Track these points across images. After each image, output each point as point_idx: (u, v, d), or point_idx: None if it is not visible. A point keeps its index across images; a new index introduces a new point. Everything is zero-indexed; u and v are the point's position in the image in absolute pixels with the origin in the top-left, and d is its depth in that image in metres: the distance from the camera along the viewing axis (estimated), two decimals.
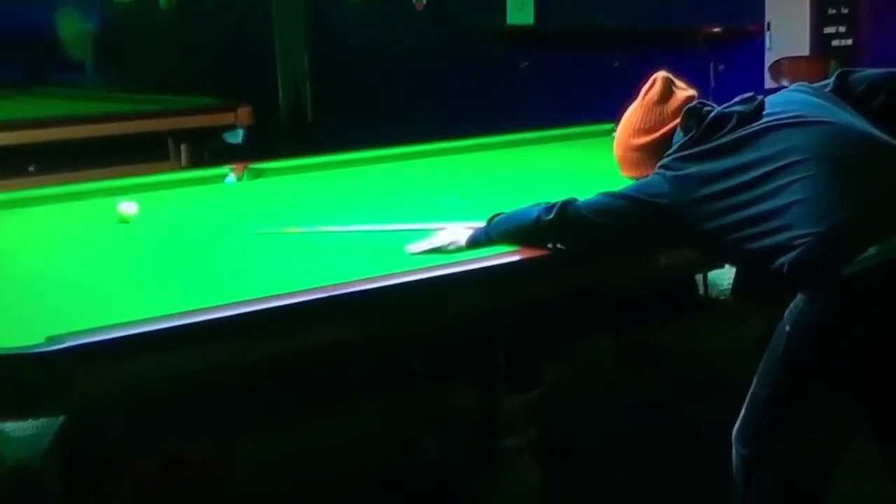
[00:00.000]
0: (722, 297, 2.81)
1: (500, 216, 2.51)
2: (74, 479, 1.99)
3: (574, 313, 2.59)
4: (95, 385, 1.91)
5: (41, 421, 1.88)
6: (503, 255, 2.43)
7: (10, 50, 7.47)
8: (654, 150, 2.47)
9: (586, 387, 3.23)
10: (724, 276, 2.72)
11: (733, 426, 2.33)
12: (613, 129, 2.74)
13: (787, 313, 2.20)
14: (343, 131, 5.84)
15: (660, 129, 2.50)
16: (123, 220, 2.93)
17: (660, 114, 2.52)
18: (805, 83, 2.53)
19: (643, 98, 2.55)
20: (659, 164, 2.40)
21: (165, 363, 1.98)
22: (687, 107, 2.44)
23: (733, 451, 2.32)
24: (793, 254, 2.13)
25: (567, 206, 2.40)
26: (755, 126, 2.33)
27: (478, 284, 2.39)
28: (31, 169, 4.60)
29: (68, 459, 1.94)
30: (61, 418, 1.89)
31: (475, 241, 2.50)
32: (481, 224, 2.52)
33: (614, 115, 2.75)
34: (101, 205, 3.23)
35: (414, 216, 2.81)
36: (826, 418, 2.22)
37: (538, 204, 2.45)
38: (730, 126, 2.34)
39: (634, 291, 2.72)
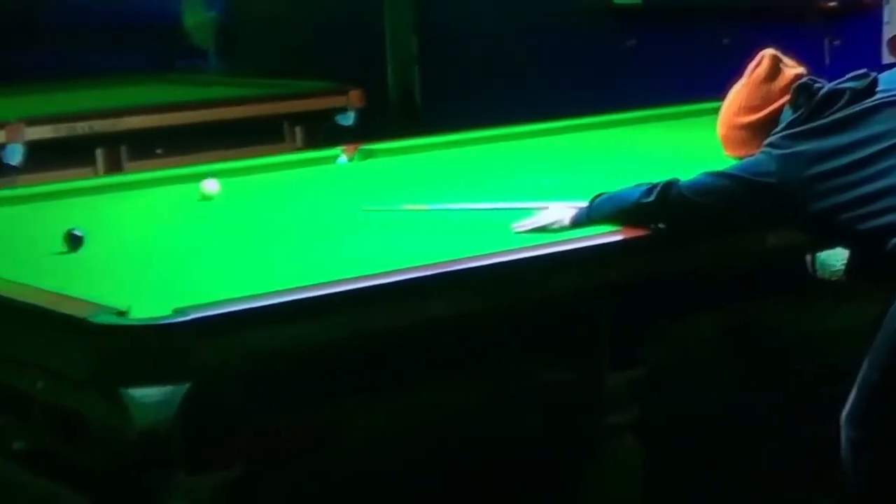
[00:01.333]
0: (834, 279, 2.73)
1: (602, 196, 2.49)
2: (198, 442, 2.04)
3: (679, 292, 2.56)
4: (218, 355, 1.97)
5: (168, 388, 1.92)
6: (607, 235, 2.42)
7: (139, 38, 7.69)
8: (760, 129, 2.42)
9: (690, 366, 3.19)
10: (837, 257, 2.64)
11: (842, 409, 2.29)
12: (719, 109, 2.68)
13: None
14: (451, 113, 5.85)
15: (766, 107, 2.45)
16: (206, 198, 3.02)
17: (767, 92, 2.46)
18: None
19: (749, 76, 2.50)
20: (766, 142, 2.35)
21: (282, 335, 2.02)
22: (797, 83, 2.38)
23: (842, 434, 2.28)
24: None
25: (669, 186, 2.36)
26: (868, 102, 2.27)
27: (582, 263, 2.39)
28: (158, 151, 4.70)
29: (192, 424, 1.99)
30: (186, 385, 1.93)
31: (577, 221, 2.49)
32: (584, 204, 2.51)
33: (722, 94, 2.70)
34: (228, 185, 3.30)
35: (519, 195, 2.80)
36: None
37: (640, 185, 2.42)
38: (842, 102, 2.27)
39: (741, 271, 2.67)
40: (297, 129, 5.16)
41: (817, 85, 2.35)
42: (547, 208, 2.55)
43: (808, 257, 2.61)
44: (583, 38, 6.07)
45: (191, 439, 2.02)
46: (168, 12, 7.53)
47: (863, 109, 2.26)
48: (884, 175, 2.17)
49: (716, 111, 2.93)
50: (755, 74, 2.49)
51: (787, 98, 2.41)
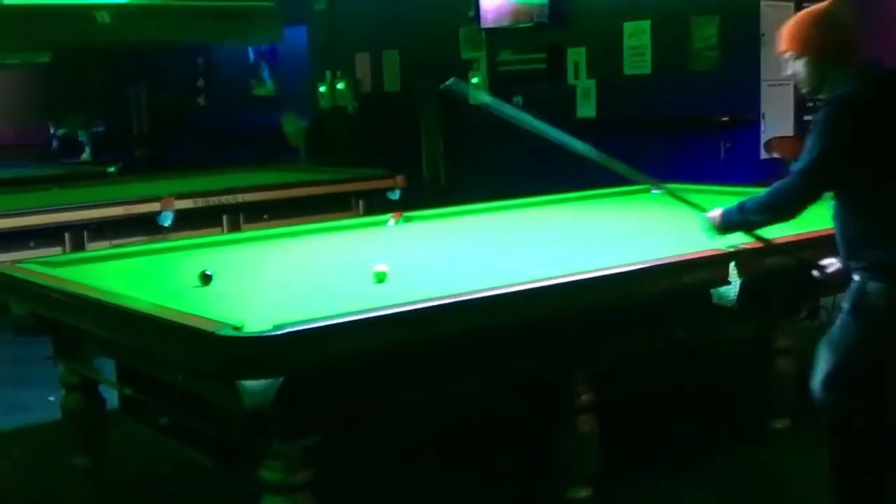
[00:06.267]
0: (728, 306, 2.62)
1: (746, 201, 2.20)
2: (288, 418, 2.01)
3: (625, 315, 2.49)
4: (303, 357, 1.95)
5: (268, 380, 1.90)
6: (578, 275, 2.37)
7: (254, 139, 7.79)
8: (826, 50, 2.01)
9: (632, 364, 3.12)
10: (731, 290, 2.52)
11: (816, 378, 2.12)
12: (648, 189, 2.56)
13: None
14: (466, 191, 5.87)
15: (842, 36, 2.03)
16: (380, 278, 2.44)
17: (848, 30, 2.05)
18: None
19: (841, 3, 2.07)
20: (828, 101, 1.99)
21: (348, 343, 2.00)
22: (866, 63, 2.03)
23: (816, 396, 2.10)
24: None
25: (794, 178, 2.05)
26: None
27: (560, 294, 2.33)
28: (265, 217, 4.72)
29: (285, 406, 1.96)
30: (281, 379, 1.91)
31: (728, 223, 2.25)
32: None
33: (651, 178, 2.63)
34: (313, 239, 3.30)
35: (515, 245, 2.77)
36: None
37: (748, 199, 2.19)
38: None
39: (667, 301, 2.61)
40: (360, 202, 5.18)
41: (880, 71, 2.00)
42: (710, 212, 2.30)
43: (711, 291, 2.53)
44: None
45: (283, 416, 1.99)
46: (273, 122, 7.64)
47: None
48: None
49: (644, 191, 2.84)
50: (846, 6, 2.05)
51: (852, 48, 2.01)
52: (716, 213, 2.33)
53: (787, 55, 2.14)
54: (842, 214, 2.11)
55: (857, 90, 2.02)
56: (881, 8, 4.70)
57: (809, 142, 2.06)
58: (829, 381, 2.11)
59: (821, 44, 2.08)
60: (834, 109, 2.02)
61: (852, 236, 2.09)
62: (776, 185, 2.16)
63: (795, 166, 2.10)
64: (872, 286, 2.03)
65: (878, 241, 2.03)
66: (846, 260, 2.13)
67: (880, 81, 2.07)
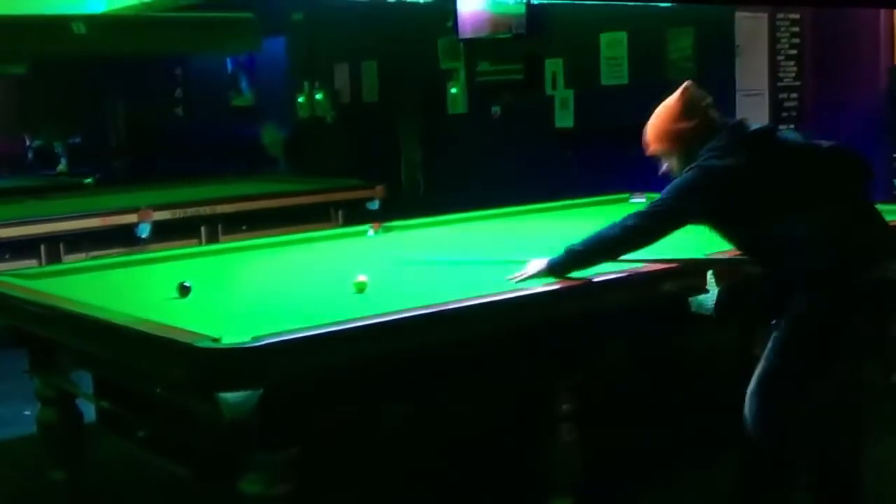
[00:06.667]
0: (705, 314, 2.65)
1: (576, 244, 2.31)
2: (269, 430, 2.00)
3: (603, 324, 2.51)
4: (282, 368, 1.94)
5: (248, 392, 1.89)
6: (556, 284, 2.38)
7: (232, 151, 7.75)
8: (689, 137, 2.19)
9: (611, 374, 3.14)
10: (708, 299, 2.58)
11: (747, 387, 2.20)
12: (628, 199, 2.60)
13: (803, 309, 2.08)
14: (444, 201, 5.88)
15: (695, 119, 2.20)
16: (360, 287, 2.44)
17: (696, 109, 2.23)
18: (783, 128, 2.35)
19: (682, 94, 2.24)
20: (696, 164, 2.14)
21: (325, 355, 1.99)
22: (737, 120, 2.18)
23: (745, 404, 2.18)
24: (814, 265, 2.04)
25: (626, 222, 2.20)
26: (789, 149, 2.12)
27: (538, 304, 2.33)
28: (243, 228, 4.69)
29: (265, 417, 1.96)
30: (260, 390, 1.90)
31: (556, 267, 2.32)
32: (546, 259, 2.36)
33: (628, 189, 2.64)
34: (292, 250, 3.29)
35: (493, 255, 2.78)
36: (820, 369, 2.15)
37: (591, 236, 2.28)
38: (775, 146, 2.11)
39: (644, 310, 2.62)
40: (340, 212, 5.16)
41: (747, 124, 2.19)
42: (529, 262, 2.41)
43: (689, 299, 2.56)
44: (536, 150, 6.12)
45: (263, 428, 1.98)
46: (252, 133, 7.60)
47: (781, 151, 2.11)
48: (800, 214, 2.06)
49: (623, 200, 2.89)
50: (686, 95, 2.23)
51: (708, 119, 2.19)
52: (541, 262, 2.35)
53: (658, 154, 2.27)
54: (748, 239, 2.20)
55: (725, 162, 2.13)
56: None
57: (671, 195, 2.18)
58: (758, 390, 2.18)
59: (683, 136, 2.21)
60: (703, 178, 2.14)
61: (767, 256, 2.17)
62: (623, 227, 2.23)
63: (651, 206, 2.22)
64: (800, 297, 2.11)
65: (799, 253, 2.10)
66: (769, 274, 2.20)
67: (747, 139, 2.17)
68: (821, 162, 2.20)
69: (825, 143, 2.28)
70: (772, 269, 2.18)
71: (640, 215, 2.25)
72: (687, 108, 2.24)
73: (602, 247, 2.30)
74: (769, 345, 2.20)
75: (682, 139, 2.23)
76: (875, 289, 2.08)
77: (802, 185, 2.12)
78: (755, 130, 2.20)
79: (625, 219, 2.25)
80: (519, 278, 2.39)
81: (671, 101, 2.29)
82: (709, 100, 2.28)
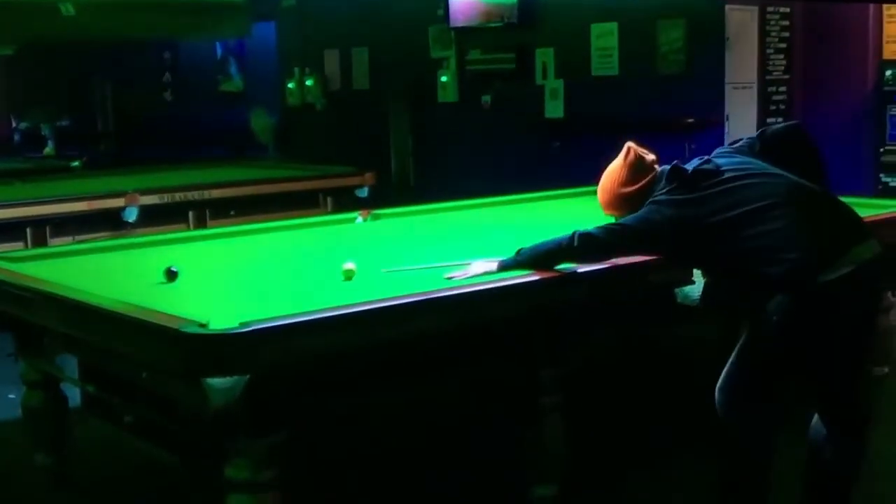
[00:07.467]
0: (691, 305, 2.68)
1: (526, 248, 2.38)
2: (255, 416, 1.98)
3: (591, 314, 2.51)
4: (270, 355, 1.93)
5: (234, 378, 1.88)
6: (542, 273, 2.38)
7: (221, 136, 7.70)
8: (638, 197, 2.32)
9: (599, 363, 3.16)
10: (695, 290, 2.60)
11: (717, 382, 2.26)
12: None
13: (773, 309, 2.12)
14: (433, 189, 5.87)
15: (642, 180, 2.33)
16: (348, 275, 2.45)
17: (641, 168, 2.35)
18: (725, 146, 2.42)
19: (625, 159, 2.37)
20: (650, 201, 2.25)
21: (314, 341, 1.98)
22: (673, 166, 2.30)
23: (716, 398, 2.24)
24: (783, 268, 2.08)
25: (586, 233, 2.26)
26: (724, 177, 2.20)
27: (525, 293, 2.34)
28: (232, 213, 4.67)
29: (251, 403, 1.94)
30: (247, 376, 1.89)
31: (505, 267, 2.38)
32: (500, 259, 2.40)
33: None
34: (280, 236, 3.27)
35: (476, 245, 2.77)
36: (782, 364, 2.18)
37: (553, 238, 2.34)
38: (713, 178, 2.20)
39: (631, 301, 2.63)
40: (329, 199, 5.13)
41: (685, 167, 2.29)
42: (470, 264, 2.40)
43: (675, 290, 2.57)
44: (524, 140, 6.11)
45: (250, 414, 1.97)
46: (241, 118, 7.55)
47: (720, 181, 2.17)
48: (750, 230, 2.10)
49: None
50: (629, 158, 2.35)
51: (653, 174, 2.31)
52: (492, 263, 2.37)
53: (615, 215, 2.37)
54: (715, 260, 2.26)
55: (671, 197, 2.23)
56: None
57: (634, 218, 2.27)
58: (723, 385, 2.23)
59: (632, 198, 2.32)
60: (659, 208, 2.24)
61: (731, 265, 2.21)
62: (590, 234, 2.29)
63: (622, 222, 2.29)
64: (770, 301, 2.13)
65: (765, 263, 2.13)
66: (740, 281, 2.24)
67: (687, 181, 2.25)
68: (766, 170, 2.25)
69: (765, 133, 2.39)
70: (746, 279, 2.22)
71: (600, 228, 2.31)
72: (633, 172, 2.34)
73: (550, 256, 2.35)
74: (740, 342, 2.23)
75: (632, 200, 2.33)
76: (855, 279, 2.09)
77: (753, 199, 2.17)
78: (695, 170, 2.27)
79: (584, 230, 2.31)
80: (460, 278, 2.37)
81: (616, 166, 2.38)
82: (651, 156, 2.38)
